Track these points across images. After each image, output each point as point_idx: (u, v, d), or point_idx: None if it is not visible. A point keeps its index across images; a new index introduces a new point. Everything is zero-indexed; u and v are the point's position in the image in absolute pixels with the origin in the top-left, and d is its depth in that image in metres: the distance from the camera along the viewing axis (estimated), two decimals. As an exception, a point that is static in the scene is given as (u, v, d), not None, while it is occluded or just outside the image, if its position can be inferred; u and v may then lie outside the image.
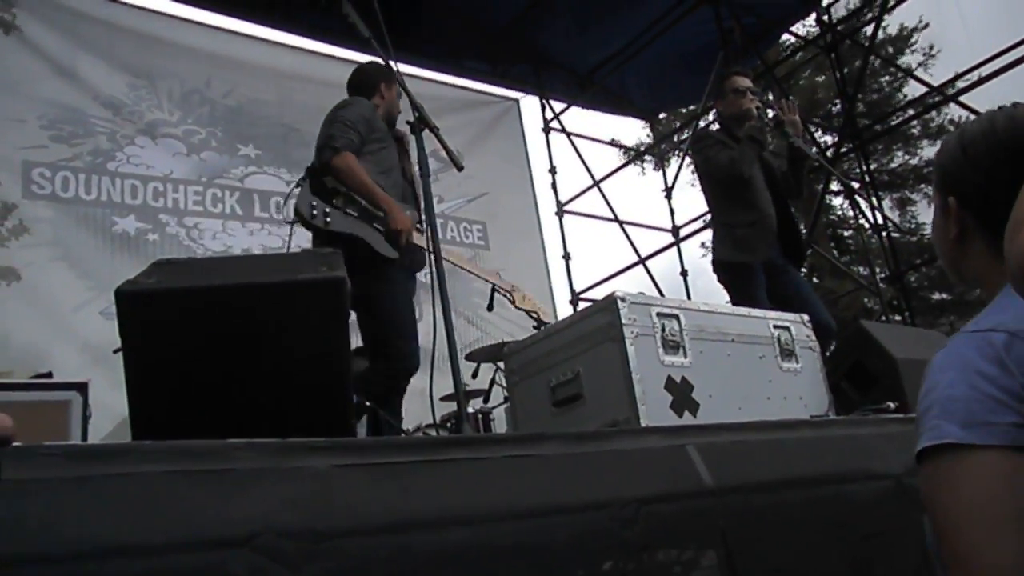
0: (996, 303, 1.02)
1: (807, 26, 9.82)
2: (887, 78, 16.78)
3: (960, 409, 0.91)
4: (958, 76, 7.71)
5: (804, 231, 4.33)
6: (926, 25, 16.78)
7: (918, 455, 0.94)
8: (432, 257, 2.63)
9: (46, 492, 1.08)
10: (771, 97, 10.10)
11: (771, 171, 4.26)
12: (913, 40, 17.09)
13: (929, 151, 17.84)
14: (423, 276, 7.34)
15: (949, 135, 1.20)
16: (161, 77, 6.67)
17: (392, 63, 2.71)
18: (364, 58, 7.12)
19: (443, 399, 3.74)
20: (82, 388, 3.50)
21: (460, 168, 2.62)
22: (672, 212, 9.39)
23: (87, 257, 5.88)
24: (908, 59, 15.90)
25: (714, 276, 4.30)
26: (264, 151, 7.02)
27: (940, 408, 0.93)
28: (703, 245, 13.75)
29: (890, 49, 16.42)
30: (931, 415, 0.94)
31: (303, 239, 3.44)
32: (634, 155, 11.38)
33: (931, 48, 16.15)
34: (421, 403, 3.34)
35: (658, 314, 2.42)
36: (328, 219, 3.15)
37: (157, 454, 1.19)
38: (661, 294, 8.06)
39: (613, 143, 11.12)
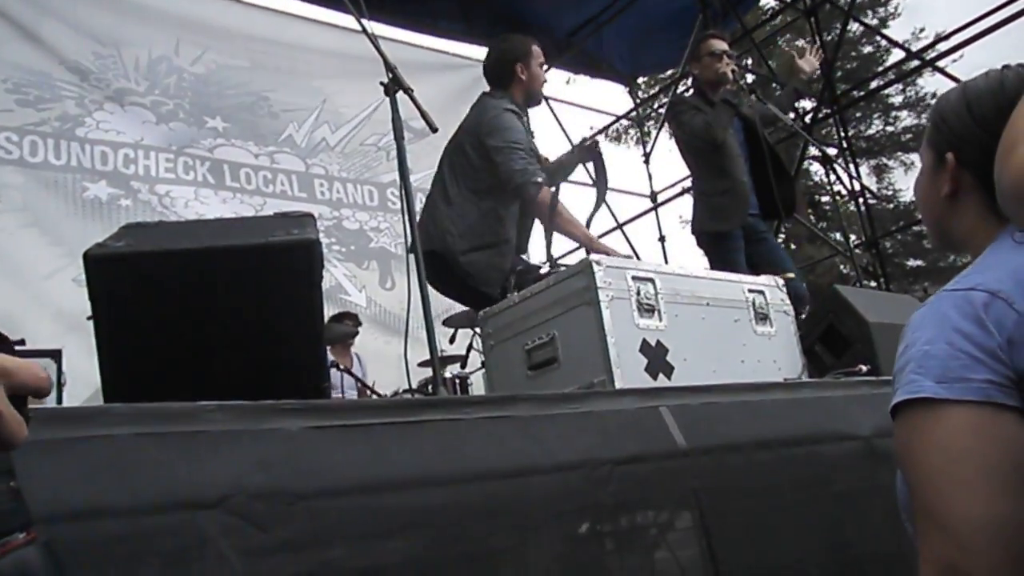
0: (978, 263, 1.03)
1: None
2: (869, 48, 16.79)
3: (936, 365, 0.91)
4: (937, 40, 7.71)
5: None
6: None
7: (893, 409, 0.95)
8: (406, 224, 2.61)
9: (15, 456, 1.07)
10: (749, 61, 10.08)
11: (753, 128, 4.25)
12: (892, 7, 17.09)
13: (907, 120, 17.95)
14: (394, 247, 7.34)
15: (948, 92, 1.17)
16: (127, 44, 6.52)
17: (364, 23, 2.66)
18: (337, 18, 7.07)
19: (420, 364, 3.73)
20: (56, 355, 3.47)
21: (435, 129, 2.59)
22: (650, 177, 9.40)
23: (58, 223, 5.79)
24: (894, 34, 15.87)
25: (691, 241, 4.33)
26: (231, 123, 6.92)
27: (916, 364, 0.94)
28: (681, 218, 13.77)
29: (869, 13, 16.40)
30: (908, 370, 0.94)
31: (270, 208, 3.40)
32: (612, 121, 11.33)
33: (921, 30, 16.12)
34: (398, 369, 3.33)
35: (633, 277, 2.42)
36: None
37: (128, 417, 1.19)
38: (639, 259, 8.07)
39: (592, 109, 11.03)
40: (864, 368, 3.08)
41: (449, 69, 8.59)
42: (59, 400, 3.47)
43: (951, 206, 1.12)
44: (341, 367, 4.59)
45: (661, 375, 2.36)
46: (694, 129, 4.04)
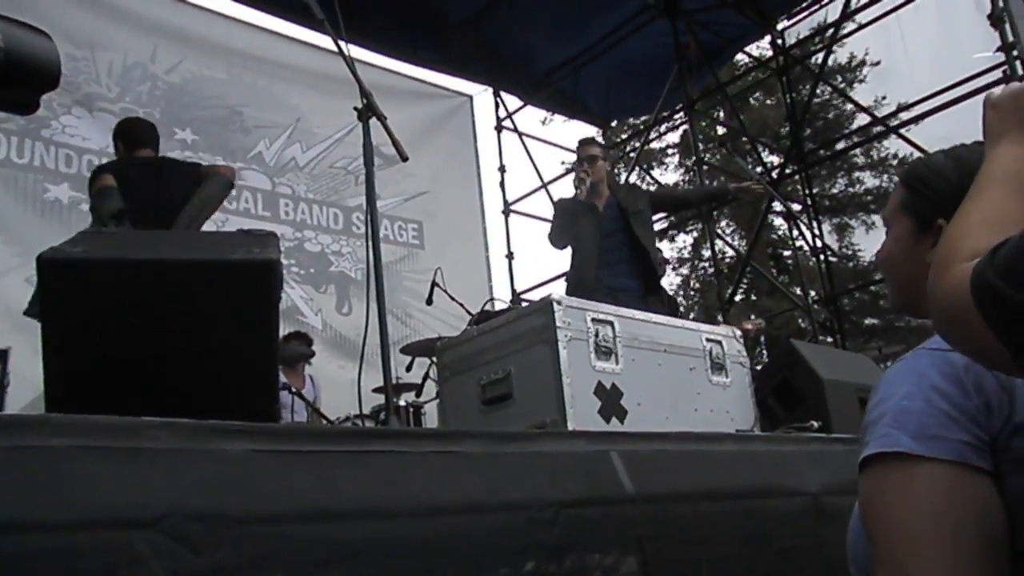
0: None
1: (760, 48, 10.00)
2: (835, 112, 17.15)
3: (913, 421, 0.91)
4: (900, 108, 7.93)
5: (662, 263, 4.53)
6: (877, 62, 17.16)
7: (863, 461, 0.94)
8: (370, 250, 2.60)
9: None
10: (722, 114, 10.26)
11: (626, 215, 4.29)
12: (861, 74, 17.49)
13: (870, 181, 18.32)
14: (353, 272, 7.33)
15: (926, 160, 1.16)
16: (103, 48, 6.45)
17: (342, 45, 2.67)
18: (318, 38, 7.08)
19: (375, 391, 3.70)
20: (2, 355, 3.39)
21: (405, 159, 2.59)
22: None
23: (15, 222, 5.68)
24: (860, 97, 16.15)
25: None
26: (201, 136, 6.86)
27: (893, 418, 0.93)
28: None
29: (839, 78, 16.79)
30: (883, 424, 0.94)
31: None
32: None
33: (883, 97, 16.50)
34: (351, 393, 3.30)
35: (593, 319, 2.43)
36: None
37: (67, 428, 1.15)
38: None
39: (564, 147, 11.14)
40: (815, 424, 3.11)
41: (424, 98, 8.64)
42: (1, 402, 3.39)
43: None
44: (293, 389, 4.53)
45: (614, 418, 2.37)
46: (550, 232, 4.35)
